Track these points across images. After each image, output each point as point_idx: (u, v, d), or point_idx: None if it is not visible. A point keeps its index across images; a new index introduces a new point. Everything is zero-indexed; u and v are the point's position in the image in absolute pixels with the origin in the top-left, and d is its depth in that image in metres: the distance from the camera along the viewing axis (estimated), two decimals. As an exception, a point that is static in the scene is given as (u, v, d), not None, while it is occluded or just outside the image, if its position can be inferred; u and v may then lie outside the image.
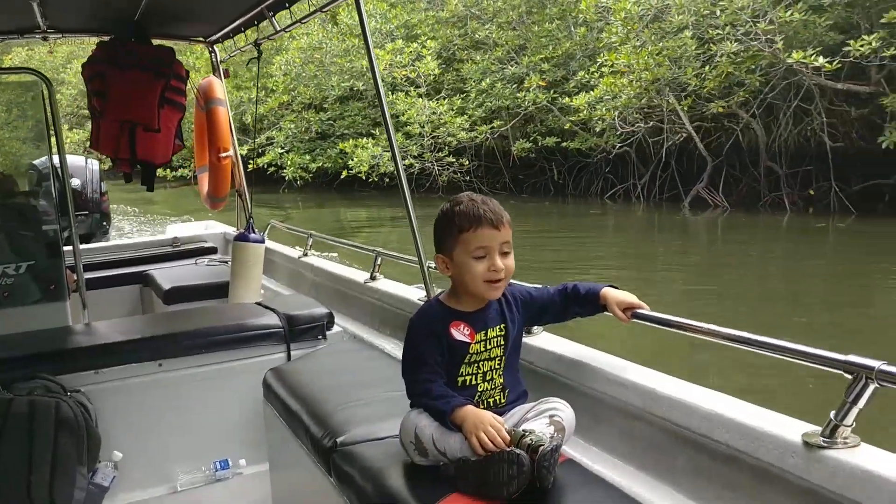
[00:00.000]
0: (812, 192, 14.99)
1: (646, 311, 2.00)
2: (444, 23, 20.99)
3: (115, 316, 4.56)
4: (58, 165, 4.17)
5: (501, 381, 1.97)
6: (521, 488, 1.67)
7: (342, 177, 21.24)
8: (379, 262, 3.72)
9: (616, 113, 16.14)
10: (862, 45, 12.04)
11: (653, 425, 1.90)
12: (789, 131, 15.29)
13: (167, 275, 5.05)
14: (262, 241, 4.73)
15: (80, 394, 2.89)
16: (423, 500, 1.74)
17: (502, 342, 1.97)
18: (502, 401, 1.96)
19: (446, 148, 19.93)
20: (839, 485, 1.43)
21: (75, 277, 4.18)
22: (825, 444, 1.48)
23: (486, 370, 1.95)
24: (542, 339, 2.37)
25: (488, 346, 1.95)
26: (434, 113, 19.24)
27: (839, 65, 12.52)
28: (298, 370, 2.91)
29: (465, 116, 19.68)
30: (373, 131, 20.93)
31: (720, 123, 16.09)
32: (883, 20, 11.93)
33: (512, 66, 19.20)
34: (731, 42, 13.77)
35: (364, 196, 21.70)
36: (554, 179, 20.47)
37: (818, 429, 1.52)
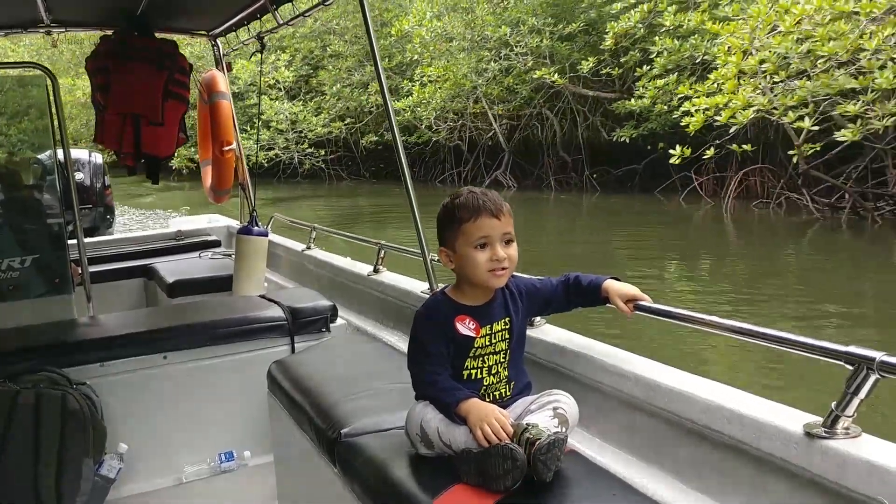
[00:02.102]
0: (595, 176, 19.47)
1: (648, 303, 2.01)
2: (306, 37, 24.89)
3: (120, 309, 4.58)
4: (62, 159, 4.19)
5: (506, 374, 1.98)
6: (516, 482, 1.68)
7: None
8: (382, 254, 3.73)
9: (433, 114, 20.70)
10: (588, 65, 16.39)
11: (655, 416, 1.91)
12: (565, 128, 19.86)
13: (171, 268, 5.06)
14: (266, 235, 4.74)
15: (85, 386, 2.90)
16: (427, 491, 1.75)
17: (507, 336, 1.98)
18: (507, 393, 1.97)
19: (306, 141, 24.37)
20: (840, 475, 1.44)
21: (80, 271, 4.20)
22: (826, 435, 1.49)
23: (491, 364, 1.95)
24: (545, 331, 2.37)
25: (493, 340, 1.95)
26: (292, 112, 23.57)
27: (566, 79, 17.43)
28: (302, 362, 2.92)
29: (323, 115, 24.16)
30: (245, 128, 23.96)
31: (526, 121, 20.57)
32: (601, 46, 15.68)
33: (358, 74, 23.44)
34: (494, 63, 18.78)
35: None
36: (397, 167, 22.57)
37: (819, 419, 1.52)
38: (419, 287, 3.28)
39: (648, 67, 14.31)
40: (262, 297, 3.73)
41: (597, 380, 2.10)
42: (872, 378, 1.45)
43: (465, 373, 1.94)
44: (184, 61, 4.40)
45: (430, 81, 19.75)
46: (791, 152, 12.22)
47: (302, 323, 3.36)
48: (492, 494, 1.69)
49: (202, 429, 3.24)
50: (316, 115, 24.23)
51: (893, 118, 9.82)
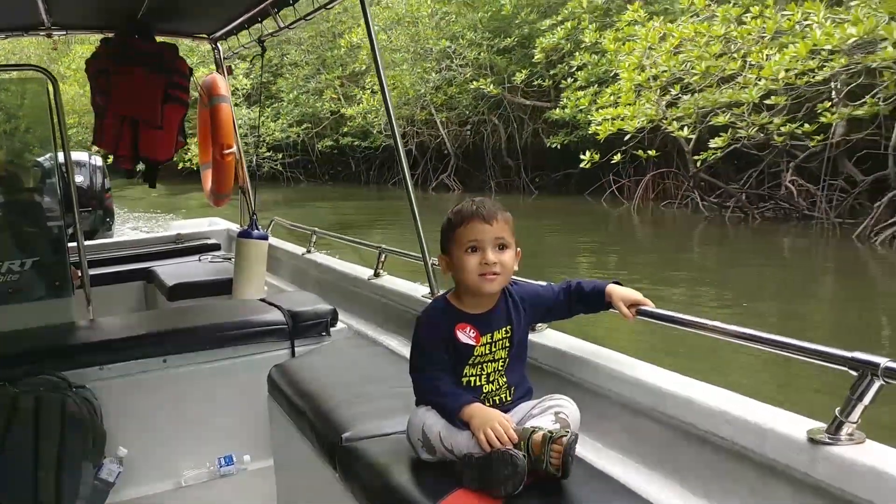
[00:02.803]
0: (537, 180, 21.38)
1: (651, 308, 2.01)
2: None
3: (119, 312, 4.57)
4: (62, 162, 4.17)
5: (505, 380, 1.97)
6: (517, 488, 1.68)
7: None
8: (383, 258, 3.73)
9: (383, 120, 22.28)
10: (522, 76, 18.36)
11: (657, 421, 1.90)
12: (509, 135, 21.62)
13: (171, 271, 5.05)
14: (266, 238, 4.73)
15: (85, 389, 2.89)
16: (428, 496, 1.75)
17: (507, 344, 1.98)
18: (508, 399, 1.97)
19: (264, 145, 25.74)
20: (844, 481, 1.43)
21: (79, 274, 4.18)
22: (830, 441, 1.48)
23: (489, 371, 1.95)
24: (546, 336, 2.37)
25: (493, 349, 1.95)
26: (251, 118, 24.17)
27: (501, 90, 19.46)
28: (303, 367, 2.91)
29: (281, 120, 25.68)
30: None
31: (471, 128, 22.69)
32: (533, 60, 17.47)
33: (314, 82, 25.41)
34: (436, 73, 20.96)
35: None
36: (353, 170, 27.32)
37: (823, 425, 1.52)
38: (420, 291, 3.27)
39: (573, 80, 15.92)
40: (263, 300, 3.72)
41: (598, 384, 2.09)
42: (877, 384, 1.44)
43: (464, 380, 1.94)
44: (184, 65, 4.40)
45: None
46: (696, 158, 13.80)
47: (302, 327, 3.34)
48: (493, 500, 1.68)
49: (202, 433, 3.22)
50: (274, 121, 25.72)
51: (757, 128, 11.77)
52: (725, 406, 1.72)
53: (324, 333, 3.40)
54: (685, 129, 12.20)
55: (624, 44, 12.51)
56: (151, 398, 3.12)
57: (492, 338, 1.95)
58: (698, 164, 14.14)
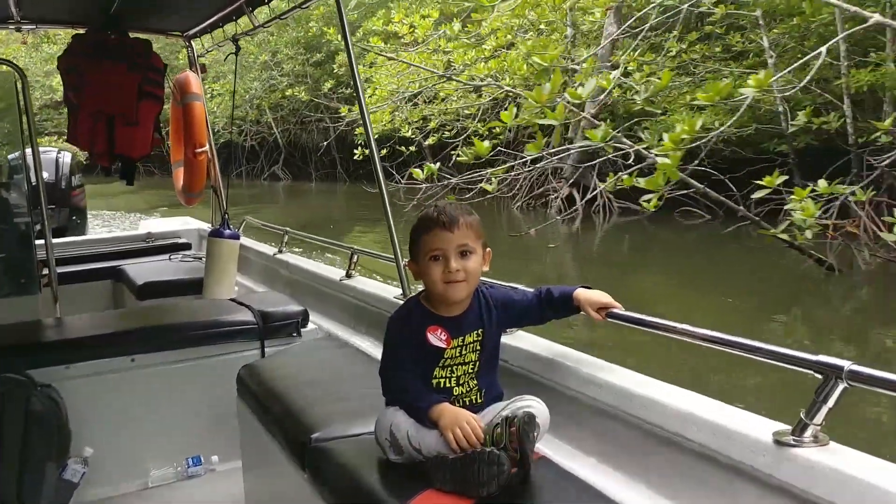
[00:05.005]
0: (360, 171, 23.39)
1: (620, 310, 2.02)
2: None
3: (87, 311, 4.50)
4: (30, 158, 4.12)
5: (475, 383, 1.97)
6: (500, 487, 1.68)
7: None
8: (355, 259, 3.71)
9: (223, 121, 26.04)
10: (329, 84, 22.96)
11: (626, 424, 1.91)
12: (329, 132, 24.58)
13: (140, 270, 4.99)
14: (238, 238, 4.70)
15: (50, 388, 2.85)
16: (398, 497, 1.74)
17: (478, 347, 1.97)
18: (479, 400, 1.97)
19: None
20: (808, 482, 1.45)
21: (47, 271, 4.13)
22: (795, 443, 1.50)
23: (459, 374, 1.95)
24: (518, 338, 2.37)
25: (464, 352, 1.95)
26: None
27: (311, 95, 24.43)
28: (272, 367, 2.89)
29: None
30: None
31: (295, 127, 27.40)
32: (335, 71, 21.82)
33: None
34: (258, 82, 25.94)
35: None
36: None
37: (789, 427, 1.54)
38: (392, 292, 3.26)
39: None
40: (233, 300, 3.69)
41: (569, 387, 2.09)
42: (841, 387, 1.46)
43: (434, 381, 1.93)
44: (158, 61, 4.36)
45: (218, 94, 25.29)
46: (453, 153, 16.63)
47: (272, 327, 3.32)
48: (463, 500, 1.68)
49: (169, 433, 3.19)
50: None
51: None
52: (693, 408, 1.73)
53: (294, 334, 3.38)
54: (410, 131, 16.34)
55: (371, 66, 16.42)
56: (118, 397, 3.09)
57: (463, 341, 1.94)
58: (454, 157, 17.59)
